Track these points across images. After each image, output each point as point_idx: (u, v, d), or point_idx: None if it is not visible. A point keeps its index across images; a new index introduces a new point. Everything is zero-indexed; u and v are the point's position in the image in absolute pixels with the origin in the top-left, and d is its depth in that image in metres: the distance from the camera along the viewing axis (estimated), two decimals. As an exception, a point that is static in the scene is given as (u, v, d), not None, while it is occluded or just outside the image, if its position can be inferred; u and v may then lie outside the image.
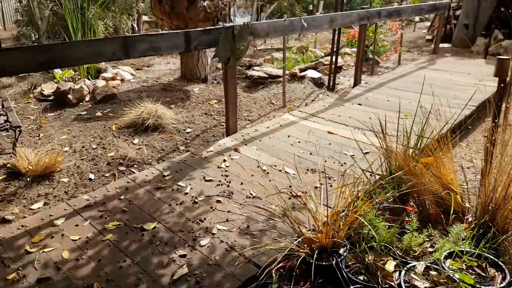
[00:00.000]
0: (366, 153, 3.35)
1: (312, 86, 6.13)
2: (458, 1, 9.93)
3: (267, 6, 10.83)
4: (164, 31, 5.22)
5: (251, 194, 3.02)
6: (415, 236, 2.31)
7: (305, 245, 2.02)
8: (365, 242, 2.08)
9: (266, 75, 6.29)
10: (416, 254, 2.24)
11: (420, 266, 2.07)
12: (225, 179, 3.25)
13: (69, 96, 5.23)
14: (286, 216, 2.13)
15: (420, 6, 7.38)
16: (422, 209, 2.63)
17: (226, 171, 3.39)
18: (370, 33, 7.06)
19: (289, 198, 2.90)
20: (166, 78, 6.56)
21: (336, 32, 5.68)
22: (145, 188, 3.13)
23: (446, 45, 8.93)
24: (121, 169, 3.60)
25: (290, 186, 3.07)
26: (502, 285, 1.93)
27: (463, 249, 2.16)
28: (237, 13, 11.76)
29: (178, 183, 3.19)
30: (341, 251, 2.07)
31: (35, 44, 8.58)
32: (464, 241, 2.24)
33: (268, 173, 3.33)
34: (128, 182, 3.22)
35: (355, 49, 7.64)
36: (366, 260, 2.04)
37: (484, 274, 2.03)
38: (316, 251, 1.96)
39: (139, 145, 4.06)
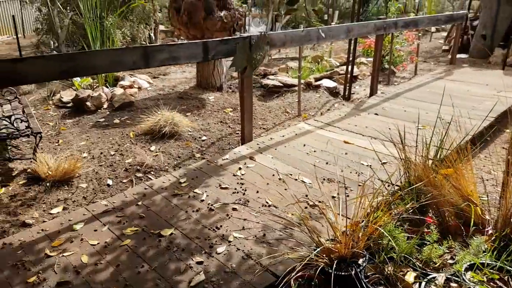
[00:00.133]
0: (384, 163, 3.32)
1: (327, 96, 6.13)
2: (475, 11, 9.86)
3: (282, 16, 10.90)
4: (183, 41, 5.30)
5: (267, 202, 3.02)
6: (435, 248, 2.28)
7: (324, 255, 2.01)
8: (385, 253, 2.06)
9: (281, 84, 6.32)
10: (436, 265, 2.21)
11: (441, 278, 2.04)
12: (241, 187, 3.26)
13: (88, 103, 5.33)
14: (305, 225, 2.12)
15: (437, 16, 7.35)
16: (442, 220, 2.60)
17: (241, 179, 3.40)
18: (386, 43, 7.05)
19: (306, 208, 2.89)
20: (182, 86, 6.64)
21: (352, 42, 5.68)
22: (162, 195, 3.15)
23: (463, 55, 8.85)
24: (139, 176, 3.64)
25: (307, 196, 3.06)
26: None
27: (484, 261, 2.13)
28: (251, 22, 11.88)
29: (194, 190, 3.21)
30: (360, 261, 2.05)
31: (55, 52, 8.78)
32: (485, 253, 2.21)
33: (284, 181, 3.32)
34: (145, 189, 3.25)
35: (370, 59, 7.65)
36: (386, 271, 2.02)
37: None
38: (335, 261, 1.95)
39: (156, 152, 4.10)
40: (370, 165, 3.51)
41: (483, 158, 4.03)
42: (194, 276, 2.26)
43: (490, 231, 2.46)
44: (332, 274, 1.89)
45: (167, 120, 4.49)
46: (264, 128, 4.94)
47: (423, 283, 1.99)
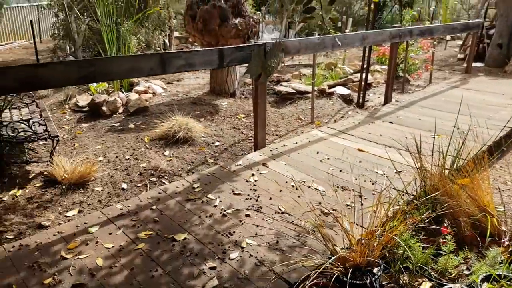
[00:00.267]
0: (398, 172, 3.30)
1: (341, 103, 6.12)
2: (491, 20, 9.77)
3: (296, 23, 10.94)
4: (197, 48, 5.36)
5: (280, 209, 3.02)
6: (451, 258, 2.25)
7: (339, 263, 2.00)
8: (400, 262, 2.04)
9: (294, 91, 6.33)
10: (452, 276, 2.19)
11: (457, 289, 2.01)
12: (254, 193, 3.26)
13: (103, 108, 5.41)
14: (320, 233, 2.12)
15: (453, 25, 7.30)
16: (458, 231, 2.57)
17: (254, 185, 3.41)
18: (400, 51, 7.02)
19: (319, 215, 2.88)
20: (196, 92, 6.69)
21: (367, 49, 5.67)
22: (175, 199, 3.17)
23: (478, 64, 8.76)
24: (153, 180, 3.67)
25: (320, 203, 3.05)
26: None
27: (501, 273, 2.10)
28: (265, 29, 11.94)
29: (208, 196, 3.23)
30: (375, 270, 2.04)
31: (71, 56, 8.94)
32: (502, 265, 2.18)
33: (297, 189, 3.32)
34: (159, 193, 3.28)
35: (385, 67, 7.62)
36: (401, 280, 2.00)
37: (524, 301, 1.95)
38: (350, 270, 1.94)
39: (170, 157, 4.14)
40: (384, 174, 3.49)
41: (499, 168, 3.97)
42: (208, 282, 2.26)
43: (506, 243, 2.43)
44: (347, 283, 1.88)
45: (181, 125, 4.53)
46: (277, 135, 4.94)
47: (439, 294, 1.97)
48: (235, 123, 5.23)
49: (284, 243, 2.60)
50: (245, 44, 3.86)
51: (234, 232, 2.74)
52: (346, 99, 6.23)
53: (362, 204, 2.98)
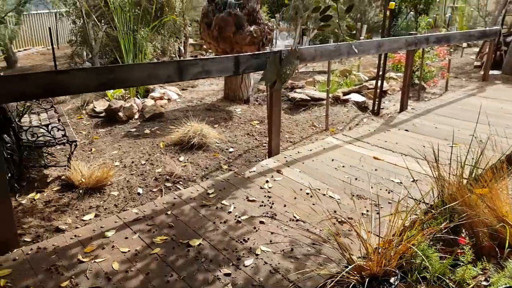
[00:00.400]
0: (415, 181, 3.26)
1: (356, 110, 6.09)
2: (509, 27, 9.63)
3: (310, 30, 10.96)
4: (211, 55, 5.41)
5: (294, 217, 3.01)
6: (469, 269, 2.21)
7: (355, 272, 1.99)
8: (418, 272, 2.02)
9: (308, 98, 6.32)
10: (470, 287, 2.15)
11: (476, 301, 1.97)
12: (268, 200, 3.26)
13: (120, 113, 5.48)
14: (336, 241, 2.10)
15: (469, 32, 7.22)
16: (476, 241, 2.52)
17: (269, 192, 3.41)
18: (416, 58, 6.96)
19: (334, 224, 2.86)
20: (210, 98, 6.74)
21: (382, 56, 5.65)
22: (190, 205, 3.19)
23: (496, 72, 8.63)
24: (168, 185, 3.70)
25: (335, 211, 3.03)
26: None
27: (522, 285, 2.05)
28: (278, 36, 11.99)
29: (222, 202, 3.24)
30: (392, 280, 2.01)
31: (87, 62, 9.10)
32: (523, 277, 2.13)
33: (311, 196, 3.31)
34: (174, 198, 3.30)
35: (400, 74, 7.56)
36: (418, 291, 1.97)
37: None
38: (367, 279, 1.92)
39: (185, 162, 4.17)
40: (400, 182, 3.45)
41: (518, 178, 3.89)
42: (222, 288, 2.27)
43: (527, 254, 2.38)
44: (364, 292, 1.87)
45: (196, 131, 4.57)
46: (291, 142, 4.94)
47: (458, 306, 1.93)
48: (249, 130, 5.25)
49: (299, 251, 2.59)
50: (261, 52, 3.88)
51: (248, 239, 2.74)
52: (361, 106, 6.20)
53: (378, 213, 2.96)
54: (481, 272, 2.29)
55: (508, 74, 8.45)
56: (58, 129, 3.89)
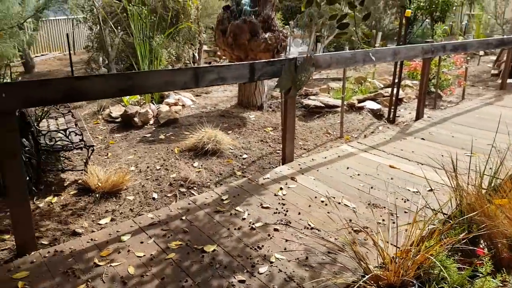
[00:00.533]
0: (431, 190, 3.21)
1: (371, 118, 6.05)
2: (527, 35, 9.48)
3: (325, 37, 10.95)
4: (225, 61, 5.44)
5: (309, 225, 2.99)
6: (488, 280, 2.17)
7: (372, 282, 1.96)
8: (436, 283, 1.98)
9: (323, 105, 6.31)
10: (490, 301, 2.10)
11: (496, 314, 1.93)
12: (282, 208, 3.25)
13: (135, 119, 5.55)
14: (353, 250, 2.08)
15: (487, 40, 7.13)
16: (495, 252, 2.47)
17: (283, 199, 3.40)
18: (432, 66, 6.89)
19: (349, 233, 2.83)
20: (223, 104, 6.78)
21: (398, 64, 5.62)
22: (205, 211, 3.20)
23: (514, 80, 8.49)
24: (182, 191, 3.72)
25: (351, 220, 3.01)
26: None
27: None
28: (292, 43, 12.01)
29: (236, 208, 3.24)
30: (410, 291, 1.98)
31: (103, 68, 9.24)
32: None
33: (326, 204, 3.29)
34: (189, 204, 3.31)
35: (416, 82, 7.50)
36: (437, 303, 1.94)
37: None
38: (384, 289, 1.90)
39: (199, 168, 4.19)
40: (417, 191, 3.41)
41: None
42: (237, 295, 2.26)
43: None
44: (381, 303, 1.84)
45: (210, 137, 4.59)
46: (305, 149, 4.93)
47: (477, 319, 1.89)
48: (262, 136, 5.26)
49: (314, 259, 2.57)
50: (276, 59, 3.89)
51: (262, 246, 2.73)
52: (376, 114, 6.15)
53: (394, 223, 2.92)
54: (501, 284, 2.24)
55: (527, 83, 8.30)
56: (76, 134, 3.95)
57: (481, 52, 11.19)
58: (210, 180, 3.97)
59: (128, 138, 5.13)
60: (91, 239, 2.81)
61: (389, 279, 1.95)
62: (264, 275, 2.44)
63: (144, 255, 2.61)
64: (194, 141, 4.60)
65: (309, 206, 3.27)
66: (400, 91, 6.47)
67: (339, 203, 3.30)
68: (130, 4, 6.83)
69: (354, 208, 3.20)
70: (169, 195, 3.66)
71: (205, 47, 11.67)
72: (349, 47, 10.77)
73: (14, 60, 8.29)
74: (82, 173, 3.94)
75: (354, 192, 3.49)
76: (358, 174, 3.86)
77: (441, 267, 1.96)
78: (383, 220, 3.00)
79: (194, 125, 5.31)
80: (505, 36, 7.39)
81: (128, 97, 6.33)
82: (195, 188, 3.79)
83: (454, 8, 12.58)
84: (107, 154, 4.59)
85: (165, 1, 8.28)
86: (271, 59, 3.95)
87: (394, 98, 5.79)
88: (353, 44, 11.06)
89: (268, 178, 3.82)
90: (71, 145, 3.82)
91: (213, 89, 8.00)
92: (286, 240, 2.79)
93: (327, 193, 3.47)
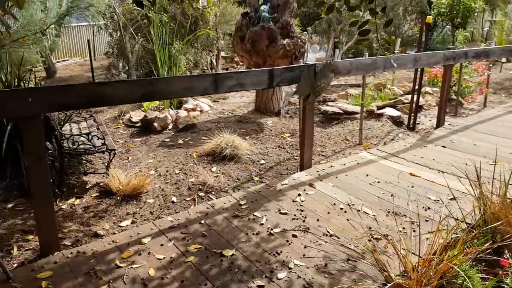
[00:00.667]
0: (453, 198, 3.16)
1: (390, 125, 5.99)
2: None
3: (343, 43, 10.92)
4: (244, 68, 5.47)
5: (328, 231, 2.97)
6: (514, 293, 2.11)
7: (394, 290, 1.94)
8: (459, 294, 1.95)
9: (341, 111, 6.28)
10: (515, 313, 2.05)
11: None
12: (300, 214, 3.24)
13: (155, 124, 5.63)
14: (374, 258, 2.06)
15: (510, 47, 6.99)
16: (520, 264, 2.40)
17: (301, 205, 3.39)
18: (454, 73, 6.79)
19: (369, 240, 2.80)
20: (241, 110, 6.81)
21: (419, 71, 5.56)
22: (223, 215, 3.22)
23: (537, 88, 8.30)
24: (200, 195, 3.75)
25: (370, 228, 2.98)
26: None
27: None
28: (310, 48, 12.00)
29: (254, 213, 3.24)
30: (432, 301, 1.95)
31: (123, 74, 9.41)
32: None
33: (345, 211, 3.26)
34: (207, 208, 3.34)
35: (436, 89, 7.39)
36: (461, 313, 1.90)
37: None
38: (406, 298, 1.87)
39: (217, 173, 4.21)
40: (438, 200, 3.35)
41: None
42: (256, 300, 2.26)
43: None
44: (403, 312, 1.81)
45: (228, 142, 4.62)
46: (323, 155, 4.90)
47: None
48: (280, 142, 5.26)
49: (333, 267, 2.55)
50: (295, 65, 3.90)
51: (281, 251, 2.73)
52: (396, 121, 6.09)
53: (414, 231, 2.88)
54: (526, 297, 2.18)
55: (551, 90, 8.10)
56: (98, 138, 4.03)
57: (503, 59, 10.98)
58: (228, 185, 3.99)
59: (147, 142, 5.20)
60: (113, 241, 2.85)
61: (411, 288, 1.92)
62: (283, 281, 2.43)
63: (164, 258, 2.64)
64: (212, 146, 4.64)
65: (328, 213, 3.25)
66: (420, 98, 6.39)
67: (359, 210, 3.27)
68: (152, 11, 6.95)
69: (374, 215, 3.16)
70: (188, 199, 3.69)
71: (222, 53, 11.77)
72: (369, 54, 10.71)
73: (37, 65, 8.51)
74: (103, 176, 4.01)
75: (374, 199, 3.45)
76: (378, 182, 3.83)
77: (465, 276, 1.92)
78: (404, 228, 2.96)
79: (212, 130, 5.35)
80: (529, 43, 7.23)
81: (147, 102, 6.43)
82: (213, 193, 3.81)
83: (476, 14, 12.39)
84: (128, 158, 4.67)
85: (184, 8, 8.39)
86: (290, 65, 3.96)
87: (414, 105, 5.72)
88: (372, 50, 10.99)
89: (286, 184, 3.81)
90: (94, 149, 3.90)
91: (230, 95, 8.05)
92: (305, 247, 2.78)
93: (347, 200, 3.44)
